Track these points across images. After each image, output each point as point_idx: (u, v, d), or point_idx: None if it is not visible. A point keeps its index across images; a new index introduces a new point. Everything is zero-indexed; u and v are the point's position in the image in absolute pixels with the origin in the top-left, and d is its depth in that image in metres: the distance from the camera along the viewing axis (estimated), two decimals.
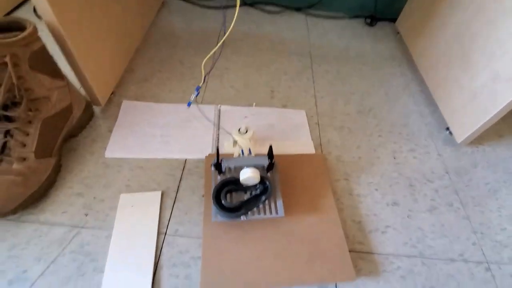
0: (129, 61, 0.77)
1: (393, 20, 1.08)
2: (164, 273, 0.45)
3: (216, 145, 0.62)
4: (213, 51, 0.41)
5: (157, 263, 0.46)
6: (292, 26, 1.02)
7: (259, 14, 1.05)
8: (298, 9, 1.09)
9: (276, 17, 1.05)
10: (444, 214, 0.57)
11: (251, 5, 1.07)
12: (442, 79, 0.76)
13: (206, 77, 0.45)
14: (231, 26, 0.40)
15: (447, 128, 0.72)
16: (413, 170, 0.64)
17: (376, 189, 0.60)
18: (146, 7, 0.86)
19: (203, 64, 0.43)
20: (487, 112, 0.61)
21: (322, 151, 0.64)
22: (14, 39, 0.40)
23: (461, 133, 0.67)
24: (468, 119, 0.65)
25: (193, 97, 0.46)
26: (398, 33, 1.03)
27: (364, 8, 1.09)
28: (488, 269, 0.50)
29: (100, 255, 0.45)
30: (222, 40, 0.39)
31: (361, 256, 0.50)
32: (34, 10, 0.89)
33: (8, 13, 0.88)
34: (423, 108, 0.79)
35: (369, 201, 0.57)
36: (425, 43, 0.85)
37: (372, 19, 1.08)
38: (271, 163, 0.50)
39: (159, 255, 0.46)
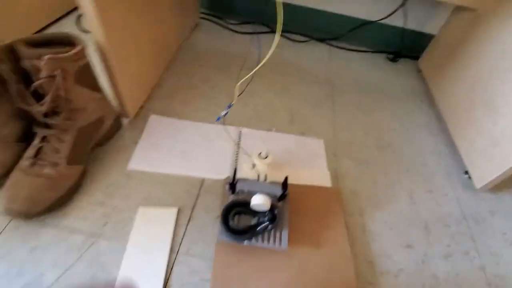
0: (161, 77, 0.81)
1: (415, 57, 1.10)
2: None
3: (235, 165, 0.63)
4: (252, 72, 0.44)
5: (167, 281, 0.46)
6: (315, 55, 1.05)
7: (285, 41, 1.09)
8: (322, 40, 1.12)
9: (300, 45, 1.09)
10: (459, 262, 0.56)
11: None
12: (462, 121, 0.75)
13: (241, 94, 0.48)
14: (270, 52, 0.42)
15: (466, 172, 0.72)
16: (430, 213, 0.63)
17: (391, 229, 0.59)
18: (182, 27, 0.91)
19: (237, 86, 0.46)
20: (508, 160, 0.60)
21: (338, 183, 0.65)
22: (66, 55, 0.44)
23: (481, 178, 0.66)
24: (489, 165, 0.64)
25: (223, 113, 0.48)
26: (420, 71, 1.05)
27: (388, 45, 1.11)
28: None
29: (113, 267, 0.46)
30: (261, 63, 0.41)
31: None
32: (77, 21, 0.96)
33: (53, 22, 0.94)
34: (443, 148, 0.78)
35: (382, 241, 0.57)
36: (446, 84, 0.86)
37: (395, 55, 1.10)
38: (283, 194, 0.51)
39: (170, 273, 0.47)
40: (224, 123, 0.71)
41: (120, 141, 0.64)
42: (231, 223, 0.48)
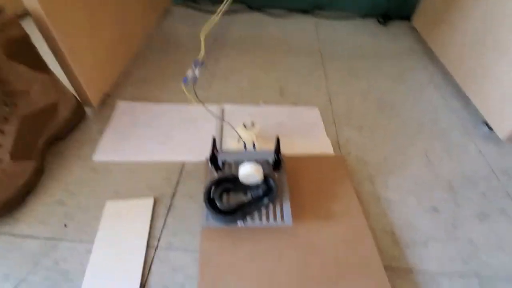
0: (128, 64, 0.73)
1: (407, 18, 1.02)
2: None
3: (215, 137, 0.54)
4: (212, 18, 0.36)
5: (145, 284, 0.37)
6: (299, 27, 0.97)
7: (265, 17, 1.01)
8: (305, 11, 1.05)
9: (283, 19, 1.01)
10: (497, 222, 0.47)
11: (258, 9, 1.04)
12: (472, 70, 0.67)
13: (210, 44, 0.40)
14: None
15: (485, 123, 0.63)
16: (452, 172, 0.54)
17: (409, 194, 0.50)
18: (148, 11, 0.83)
19: (201, 34, 0.37)
20: None
21: (340, 151, 0.56)
22: None
23: (504, 128, 0.57)
24: (511, 112, 0.56)
25: (189, 72, 0.39)
26: (414, 30, 0.96)
27: (375, 7, 1.03)
28: None
29: (77, 274, 0.37)
30: (224, 4, 0.33)
31: (399, 275, 0.40)
32: None
33: None
34: (453, 102, 0.70)
35: (401, 208, 0.48)
36: (446, 36, 0.78)
37: (385, 18, 1.02)
38: (278, 159, 0.42)
39: (148, 274, 0.38)
40: (200, 97, 0.62)
41: (84, 132, 0.55)
42: (218, 203, 0.39)
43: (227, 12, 1.00)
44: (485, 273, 0.40)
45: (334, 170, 0.51)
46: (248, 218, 0.39)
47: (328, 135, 0.59)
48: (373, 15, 1.04)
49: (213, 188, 0.41)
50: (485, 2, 0.66)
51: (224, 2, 0.36)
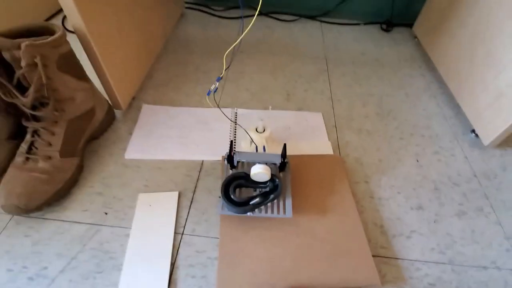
0: (150, 69, 0.80)
1: (410, 25, 1.07)
2: (180, 273, 0.44)
3: (231, 140, 0.61)
4: (235, 43, 0.42)
5: (174, 263, 0.45)
6: (307, 33, 1.03)
7: (274, 22, 1.07)
8: (311, 17, 1.10)
9: (290, 25, 1.06)
10: (474, 219, 0.54)
11: (266, 14, 1.10)
12: (464, 79, 0.73)
13: (229, 67, 0.47)
14: (253, 20, 0.41)
15: (473, 131, 0.69)
16: (438, 173, 0.61)
17: (399, 192, 0.57)
18: (167, 17, 0.89)
19: (224, 56, 0.44)
20: None
21: (340, 154, 0.63)
22: (44, 41, 0.42)
23: (488, 135, 0.64)
24: (495, 120, 0.62)
25: (213, 87, 0.46)
26: (415, 38, 1.02)
27: (379, 14, 1.08)
28: None
29: (118, 253, 0.45)
30: (244, 32, 0.40)
31: (385, 261, 0.47)
32: (63, 23, 0.95)
33: None
34: (446, 110, 0.76)
35: (391, 205, 0.55)
36: (444, 45, 0.83)
37: (388, 25, 1.07)
38: (283, 162, 0.49)
39: (176, 255, 0.46)
40: (217, 102, 0.69)
41: (115, 133, 0.63)
42: (232, 196, 0.47)
43: (237, 18, 1.05)
44: (458, 261, 0.48)
45: (333, 169, 0.58)
46: (256, 210, 0.47)
47: (329, 138, 0.66)
48: (377, 21, 1.09)
49: (228, 183, 0.48)
50: (478, 13, 0.71)
51: (251, 23, 0.42)
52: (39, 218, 0.49)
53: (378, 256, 0.48)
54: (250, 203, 0.45)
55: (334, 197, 0.53)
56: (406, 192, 0.57)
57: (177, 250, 0.47)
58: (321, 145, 0.64)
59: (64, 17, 0.96)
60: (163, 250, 0.46)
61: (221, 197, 0.46)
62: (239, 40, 0.43)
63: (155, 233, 0.48)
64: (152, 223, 0.49)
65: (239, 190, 0.49)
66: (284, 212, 0.47)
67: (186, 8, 1.09)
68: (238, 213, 0.47)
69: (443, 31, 0.85)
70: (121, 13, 0.61)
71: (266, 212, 0.47)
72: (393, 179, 0.59)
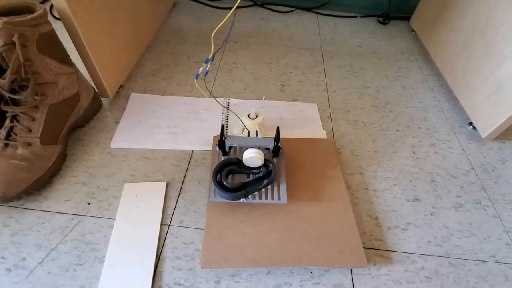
0: (140, 57, 0.78)
1: (407, 18, 1.05)
2: (166, 265, 0.42)
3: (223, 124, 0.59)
4: (223, 21, 0.40)
5: (160, 255, 0.43)
6: (302, 24, 1.01)
7: (269, 13, 1.05)
8: (308, 9, 1.08)
9: (286, 16, 1.04)
10: (471, 212, 0.52)
11: (261, 5, 1.07)
12: (461, 72, 0.71)
13: (224, 45, 0.44)
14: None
15: (470, 123, 0.68)
16: (435, 166, 0.59)
17: (395, 184, 0.55)
18: (158, 5, 0.87)
19: (212, 35, 0.42)
20: None
21: (335, 144, 0.61)
22: (22, 19, 0.40)
23: (486, 127, 0.63)
24: (493, 112, 0.61)
25: (201, 69, 0.44)
26: (412, 31, 1.00)
27: (376, 6, 1.06)
28: None
29: (101, 245, 0.43)
30: (233, 8, 0.38)
31: (379, 253, 0.46)
32: (51, 11, 0.92)
33: None
34: (443, 102, 0.75)
35: (387, 196, 0.53)
36: (441, 37, 0.82)
37: (385, 18, 1.05)
38: (277, 146, 0.47)
39: (162, 246, 0.44)
40: (208, 89, 0.67)
41: (101, 121, 0.60)
42: (224, 182, 0.45)
43: (230, 7, 1.03)
44: (456, 254, 0.46)
45: (326, 153, 0.57)
46: (250, 196, 0.45)
47: (324, 129, 0.64)
48: (374, 14, 1.07)
49: (220, 169, 0.46)
50: (478, 4, 0.70)
51: (237, 3, 0.40)
52: (18, 207, 0.46)
53: (373, 249, 0.46)
54: (243, 189, 0.43)
55: (325, 182, 0.51)
56: (402, 184, 0.56)
57: (164, 242, 0.44)
58: (316, 134, 0.62)
59: (52, 6, 0.93)
60: (148, 242, 0.44)
61: (212, 182, 0.44)
62: (227, 16, 0.41)
63: (141, 224, 0.45)
64: (137, 213, 0.46)
65: (232, 176, 0.47)
66: (279, 198, 0.45)
67: None
68: (231, 200, 0.45)
69: (441, 23, 0.83)
70: None
71: (260, 198, 0.45)
72: (389, 171, 0.58)
